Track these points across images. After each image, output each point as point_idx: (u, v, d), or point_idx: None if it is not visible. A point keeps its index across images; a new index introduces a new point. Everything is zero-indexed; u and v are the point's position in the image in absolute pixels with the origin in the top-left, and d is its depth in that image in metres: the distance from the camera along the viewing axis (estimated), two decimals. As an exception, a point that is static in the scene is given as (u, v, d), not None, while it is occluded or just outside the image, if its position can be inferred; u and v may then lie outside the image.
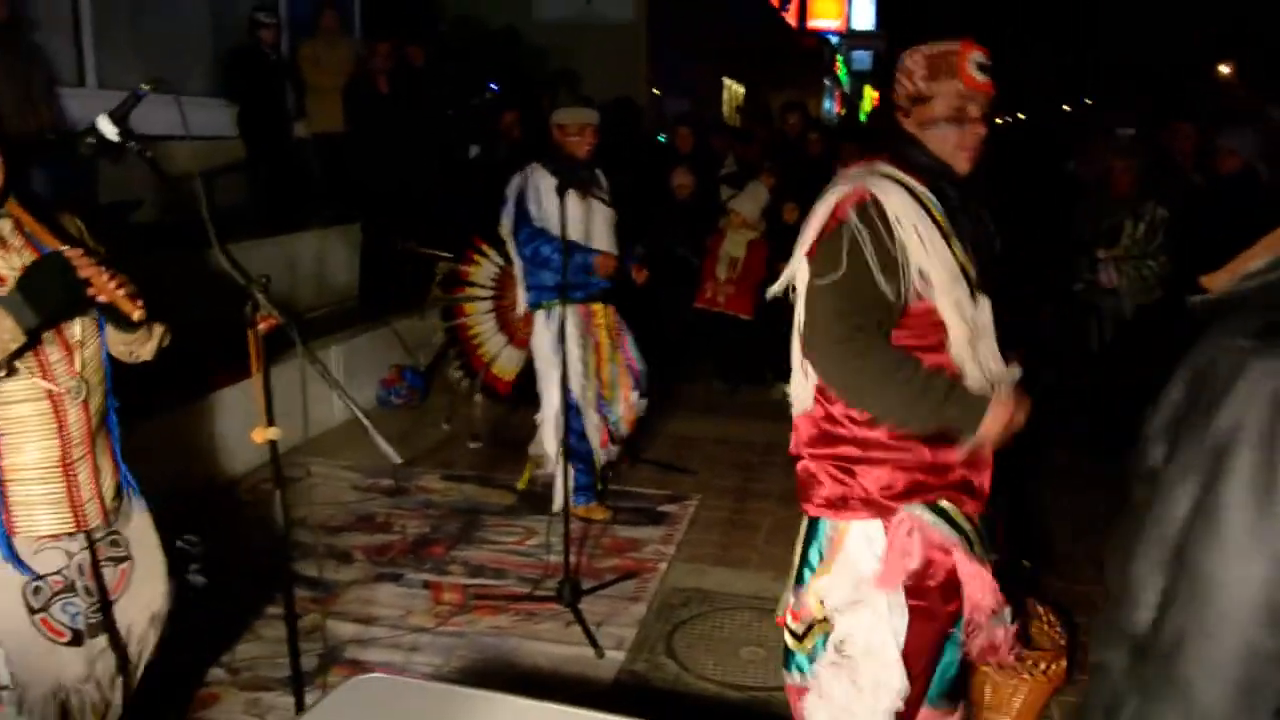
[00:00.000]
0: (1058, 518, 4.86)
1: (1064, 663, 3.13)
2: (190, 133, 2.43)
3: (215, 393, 4.92)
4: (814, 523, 2.33)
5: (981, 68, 2.10)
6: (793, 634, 2.37)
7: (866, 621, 2.21)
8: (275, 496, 2.22)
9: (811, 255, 2.15)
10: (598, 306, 4.49)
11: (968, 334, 2.10)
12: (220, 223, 2.11)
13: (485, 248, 4.90)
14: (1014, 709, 3.10)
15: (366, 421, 2.07)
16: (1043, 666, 3.06)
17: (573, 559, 3.86)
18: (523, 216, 4.27)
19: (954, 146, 2.13)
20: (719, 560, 4.26)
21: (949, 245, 2.07)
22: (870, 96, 33.83)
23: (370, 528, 4.49)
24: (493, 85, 7.20)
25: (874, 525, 2.22)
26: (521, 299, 4.51)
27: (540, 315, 4.41)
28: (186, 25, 7.19)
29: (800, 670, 2.37)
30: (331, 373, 2.23)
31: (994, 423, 2.06)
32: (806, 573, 2.33)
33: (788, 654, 2.39)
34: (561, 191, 3.69)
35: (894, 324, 2.09)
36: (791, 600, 2.37)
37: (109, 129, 2.11)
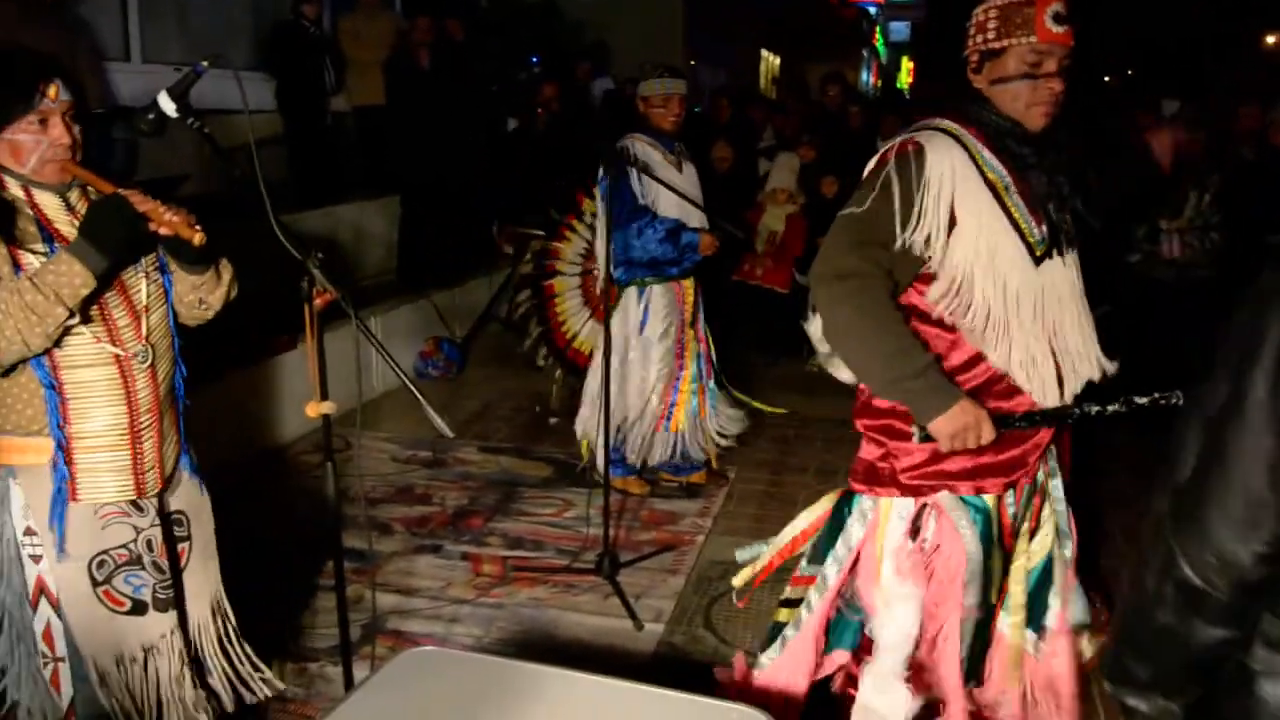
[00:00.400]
0: (1090, 495, 4.85)
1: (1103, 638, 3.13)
2: (249, 108, 2.43)
3: (264, 362, 4.99)
4: (850, 496, 2.35)
5: (1058, 18, 2.02)
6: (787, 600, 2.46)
7: (891, 616, 2.24)
8: (327, 469, 2.25)
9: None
10: (688, 283, 4.46)
11: (1001, 300, 2.04)
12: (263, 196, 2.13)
13: (575, 223, 4.81)
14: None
15: (420, 395, 2.10)
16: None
17: (611, 532, 3.90)
18: (621, 190, 4.12)
19: (1026, 103, 2.07)
20: (756, 533, 4.25)
21: (1004, 205, 2.03)
22: (907, 67, 33.47)
23: (410, 499, 4.55)
24: (534, 59, 7.19)
25: (905, 504, 2.23)
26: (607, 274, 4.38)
27: (631, 292, 4.33)
28: (230, 0, 7.23)
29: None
30: (380, 345, 2.26)
31: (947, 423, 2.00)
32: (834, 544, 2.37)
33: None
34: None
35: (912, 277, 2.08)
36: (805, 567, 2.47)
37: (169, 106, 2.14)
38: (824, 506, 2.47)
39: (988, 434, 2.02)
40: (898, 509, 2.24)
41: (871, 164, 2.13)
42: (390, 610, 3.57)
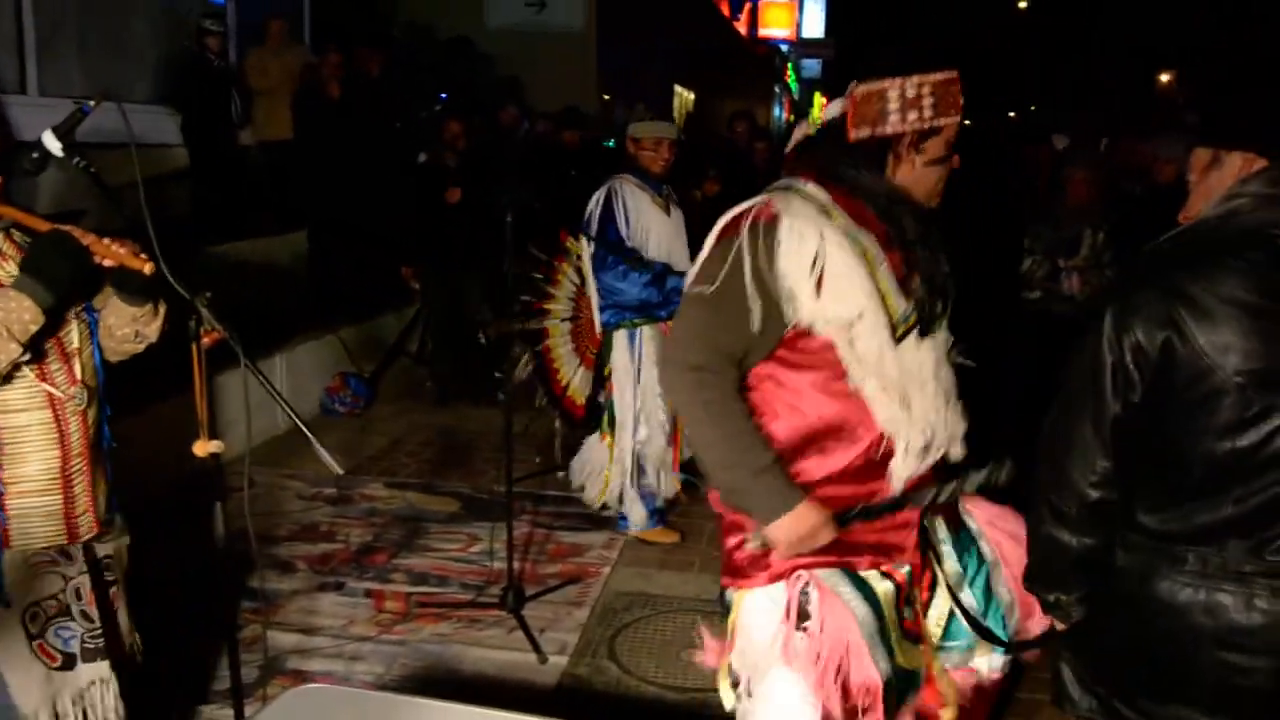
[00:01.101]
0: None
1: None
2: (136, 141, 2.41)
3: (159, 403, 4.89)
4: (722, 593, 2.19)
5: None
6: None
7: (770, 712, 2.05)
8: (216, 509, 2.24)
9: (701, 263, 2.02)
10: None
11: (872, 375, 1.95)
12: (164, 230, 2.12)
13: (563, 264, 4.68)
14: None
15: (309, 432, 2.11)
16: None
17: (517, 565, 3.90)
18: (605, 232, 4.18)
19: (938, 181, 2.04)
20: (663, 564, 4.32)
21: (873, 278, 1.93)
22: (819, 103, 34.13)
23: (313, 537, 4.50)
24: (443, 95, 7.21)
25: (776, 589, 2.05)
26: (597, 318, 4.38)
27: (621, 335, 4.33)
28: (131, 33, 7.10)
29: None
30: (273, 384, 2.26)
31: (782, 530, 1.93)
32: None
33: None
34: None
35: (767, 353, 1.97)
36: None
37: (54, 145, 2.12)
38: None
39: (826, 537, 1.96)
40: (768, 595, 2.06)
41: (720, 226, 2.01)
42: (291, 650, 3.53)
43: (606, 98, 14.02)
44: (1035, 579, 1.98)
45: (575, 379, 4.75)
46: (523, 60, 11.18)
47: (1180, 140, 4.91)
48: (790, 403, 1.99)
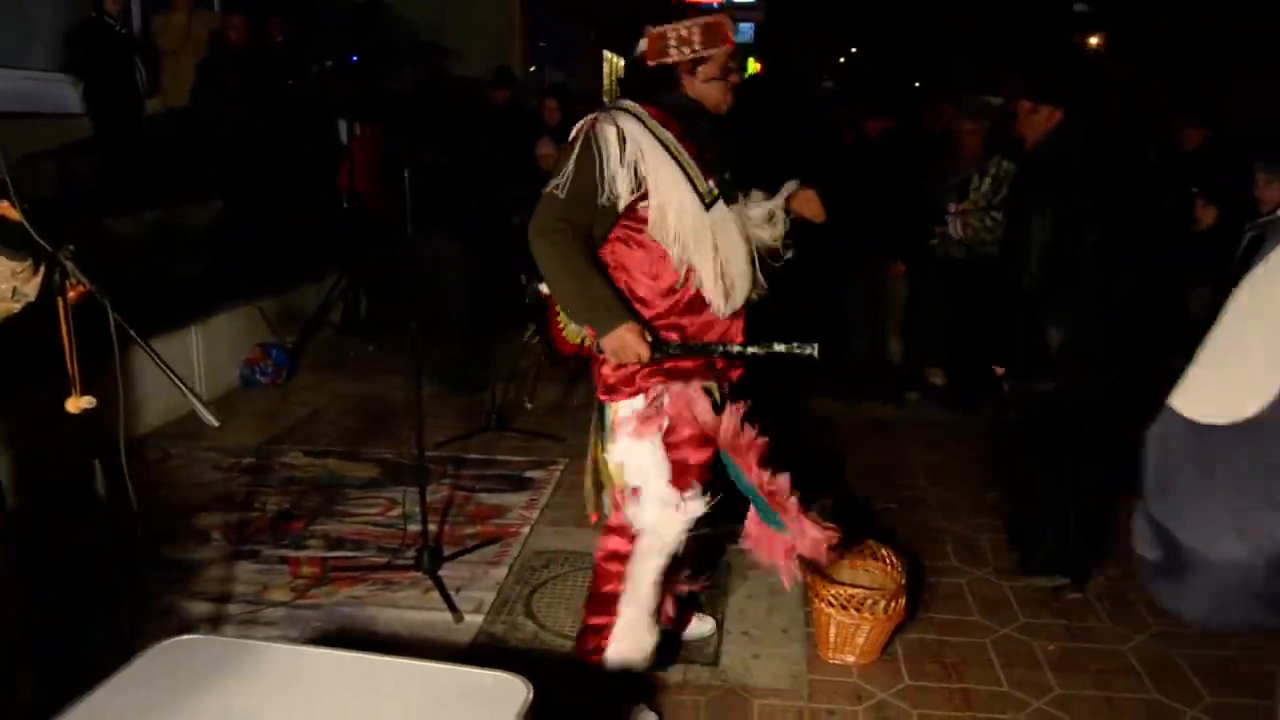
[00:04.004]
0: (910, 463, 5.06)
1: (903, 601, 3.27)
2: None
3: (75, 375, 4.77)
4: (601, 407, 2.89)
5: (735, 32, 2.71)
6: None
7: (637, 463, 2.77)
8: (94, 467, 2.18)
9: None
10: None
11: (688, 231, 2.62)
12: (73, 200, 2.04)
13: None
14: (857, 646, 3.24)
15: (182, 385, 2.05)
16: (883, 605, 3.20)
17: (435, 528, 3.86)
18: None
19: (721, 93, 2.72)
20: (583, 522, 4.27)
21: (677, 162, 2.62)
22: (752, 67, 34.09)
23: (229, 506, 4.42)
24: (353, 58, 7.07)
25: (638, 399, 2.76)
26: None
27: None
28: (30, -2, 6.90)
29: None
30: (149, 346, 2.19)
31: (610, 340, 2.58)
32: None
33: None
34: None
35: (610, 223, 2.64)
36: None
37: None
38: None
39: (643, 353, 2.59)
40: (630, 404, 2.76)
41: (571, 136, 2.66)
42: (203, 618, 3.47)
43: (532, 69, 13.86)
44: None
45: (571, 325, 4.74)
46: (445, 26, 10.99)
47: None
48: (634, 255, 2.70)
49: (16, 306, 2.21)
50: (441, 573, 3.67)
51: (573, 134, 2.66)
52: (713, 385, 2.82)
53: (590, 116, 2.65)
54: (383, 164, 6.61)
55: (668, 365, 2.71)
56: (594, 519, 3.03)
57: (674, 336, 2.72)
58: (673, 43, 2.66)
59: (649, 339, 2.62)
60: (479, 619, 3.48)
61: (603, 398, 2.86)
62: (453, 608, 3.48)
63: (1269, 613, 1.03)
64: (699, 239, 2.64)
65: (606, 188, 2.57)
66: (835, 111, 7.49)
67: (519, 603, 3.61)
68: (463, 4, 12.02)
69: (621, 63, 22.47)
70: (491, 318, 6.02)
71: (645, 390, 2.75)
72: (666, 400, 2.74)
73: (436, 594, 3.56)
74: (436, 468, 4.77)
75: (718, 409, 2.78)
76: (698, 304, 2.72)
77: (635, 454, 2.76)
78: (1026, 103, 3.71)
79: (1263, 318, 0.99)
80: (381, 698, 1.58)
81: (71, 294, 2.04)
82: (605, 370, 2.79)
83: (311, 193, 7.08)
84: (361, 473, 4.84)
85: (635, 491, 2.79)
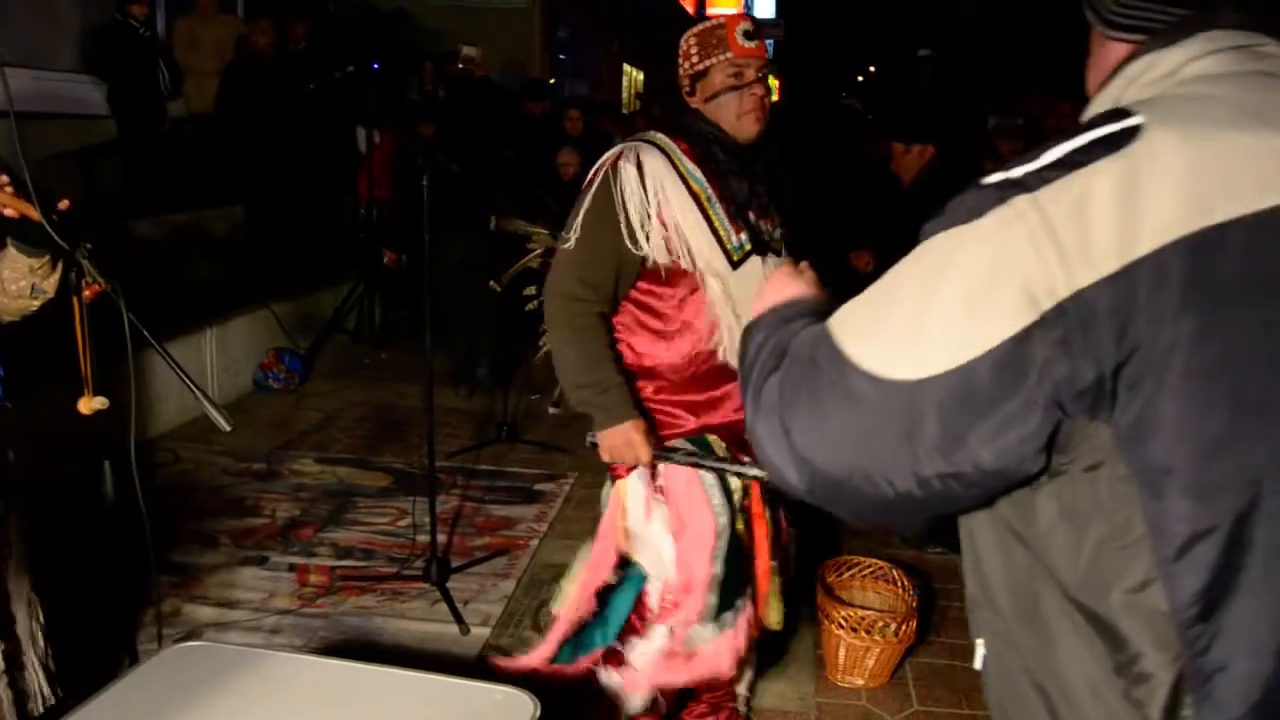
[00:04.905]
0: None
1: (914, 624, 3.24)
2: (30, 106, 2.33)
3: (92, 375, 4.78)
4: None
5: (748, 34, 2.27)
6: None
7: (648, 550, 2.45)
8: (104, 468, 2.17)
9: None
10: None
11: (717, 297, 2.28)
12: (97, 203, 2.06)
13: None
14: (867, 669, 3.21)
15: (196, 389, 2.04)
16: (894, 628, 3.17)
17: (445, 539, 3.84)
18: None
19: (736, 113, 2.29)
20: (593, 536, 4.28)
21: (706, 214, 2.26)
22: (773, 84, 34.19)
23: (239, 511, 4.41)
24: (375, 65, 7.09)
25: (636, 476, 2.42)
26: None
27: None
28: (55, -1, 6.92)
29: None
30: (162, 348, 2.19)
31: (609, 437, 2.30)
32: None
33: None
34: None
35: (632, 282, 2.30)
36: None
37: None
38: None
39: (644, 458, 2.30)
40: (634, 479, 2.42)
41: (588, 177, 2.33)
42: (208, 623, 3.46)
43: (553, 81, 13.91)
44: None
45: None
46: (467, 37, 11.04)
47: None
48: (650, 320, 2.36)
49: (35, 304, 2.21)
50: (449, 584, 3.65)
51: (591, 174, 2.33)
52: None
53: (612, 152, 2.31)
54: (397, 169, 6.62)
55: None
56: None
57: (680, 416, 2.40)
58: (680, 62, 2.35)
59: (652, 439, 2.33)
60: (486, 632, 3.46)
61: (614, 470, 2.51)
62: (459, 620, 3.46)
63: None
64: (720, 304, 2.28)
65: (629, 239, 2.24)
66: (854, 130, 7.46)
67: (526, 616, 3.59)
68: (485, 15, 12.09)
69: (641, 77, 22.53)
70: (508, 324, 6.02)
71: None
72: (661, 469, 2.41)
73: (444, 606, 3.54)
74: (446, 478, 4.75)
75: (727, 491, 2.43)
76: (715, 376, 2.38)
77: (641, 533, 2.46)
78: (898, 145, 4.13)
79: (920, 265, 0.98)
80: (389, 710, 1.56)
81: (87, 293, 2.04)
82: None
83: (330, 199, 7.11)
84: (372, 481, 4.83)
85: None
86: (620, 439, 2.28)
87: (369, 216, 7.13)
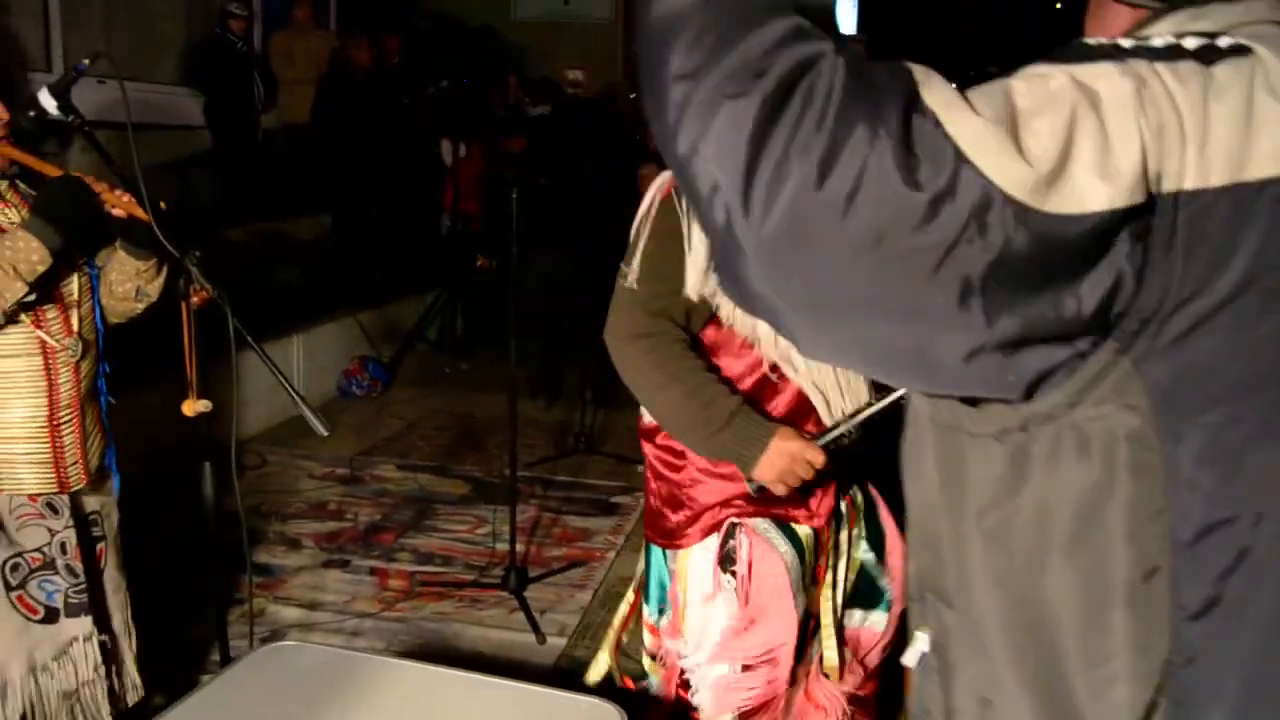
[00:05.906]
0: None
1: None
2: (131, 117, 2.40)
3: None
4: (648, 549, 2.23)
5: None
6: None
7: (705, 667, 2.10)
8: (205, 470, 2.23)
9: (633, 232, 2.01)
10: None
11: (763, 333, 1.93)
12: (188, 211, 2.13)
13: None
14: None
15: (295, 394, 2.09)
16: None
17: (522, 548, 3.87)
18: None
19: None
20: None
21: None
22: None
23: (322, 515, 4.51)
24: (464, 80, 7.22)
25: (711, 540, 2.06)
26: None
27: None
28: (157, 13, 7.15)
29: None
30: (261, 349, 2.25)
31: (767, 470, 1.86)
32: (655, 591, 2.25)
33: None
34: None
35: (708, 314, 1.94)
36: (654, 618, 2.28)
37: (50, 103, 2.12)
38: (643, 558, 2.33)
39: (816, 458, 1.86)
40: (700, 550, 2.07)
41: (649, 197, 1.99)
42: (293, 624, 3.53)
43: (633, 96, 13.98)
44: None
45: None
46: (551, 52, 11.17)
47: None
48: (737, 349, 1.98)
49: (139, 307, 2.29)
50: (526, 594, 3.68)
51: (646, 199, 1.99)
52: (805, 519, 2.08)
53: (666, 176, 1.94)
54: (487, 182, 6.72)
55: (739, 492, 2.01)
56: (629, 685, 2.42)
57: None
58: None
59: (806, 435, 1.90)
60: (561, 642, 3.48)
61: (661, 542, 2.17)
62: (536, 629, 3.49)
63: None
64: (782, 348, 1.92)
65: (696, 280, 1.91)
66: None
67: (602, 628, 3.59)
68: (567, 29, 12.20)
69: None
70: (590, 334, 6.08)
71: (716, 529, 2.06)
72: (744, 544, 2.04)
73: (521, 614, 3.57)
74: (525, 488, 4.79)
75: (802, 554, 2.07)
76: (768, 386, 2.00)
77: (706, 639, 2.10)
78: None
79: None
80: (481, 716, 1.58)
81: (195, 299, 2.10)
82: (656, 488, 2.14)
83: (416, 210, 7.23)
84: (451, 489, 4.89)
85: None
86: (783, 460, 1.85)
87: (454, 228, 7.25)
